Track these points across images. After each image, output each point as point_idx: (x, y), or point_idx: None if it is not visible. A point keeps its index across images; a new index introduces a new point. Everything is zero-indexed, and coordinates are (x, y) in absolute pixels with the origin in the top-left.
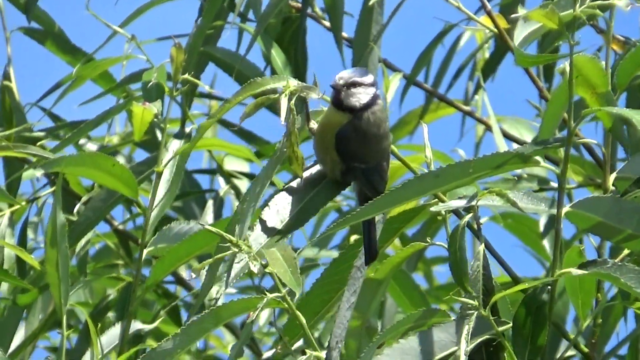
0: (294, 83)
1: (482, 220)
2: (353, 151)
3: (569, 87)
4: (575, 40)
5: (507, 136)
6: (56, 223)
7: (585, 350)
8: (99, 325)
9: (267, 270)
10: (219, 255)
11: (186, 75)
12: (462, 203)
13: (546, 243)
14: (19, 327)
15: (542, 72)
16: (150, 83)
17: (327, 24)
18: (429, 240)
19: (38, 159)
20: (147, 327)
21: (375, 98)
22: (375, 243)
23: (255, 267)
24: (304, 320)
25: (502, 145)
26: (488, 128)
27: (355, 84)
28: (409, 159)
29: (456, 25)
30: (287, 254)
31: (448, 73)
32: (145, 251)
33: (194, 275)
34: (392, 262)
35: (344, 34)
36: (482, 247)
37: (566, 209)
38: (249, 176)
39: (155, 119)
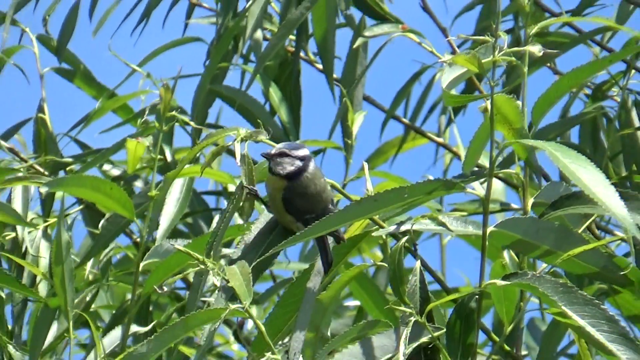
0: (243, 132)
1: (447, 238)
2: (299, 208)
3: (491, 123)
4: (495, 82)
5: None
6: (61, 242)
7: (509, 350)
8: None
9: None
10: (186, 272)
11: (174, 112)
12: (396, 227)
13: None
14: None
15: None
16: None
17: (319, 65)
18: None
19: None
20: (143, 329)
21: (302, 167)
22: (330, 254)
23: (217, 281)
24: (263, 329)
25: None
26: (457, 156)
27: (283, 154)
28: (381, 185)
29: (430, 66)
30: (244, 270)
31: (424, 108)
32: (141, 264)
33: (165, 289)
34: (339, 283)
35: (334, 75)
36: (418, 264)
37: (490, 229)
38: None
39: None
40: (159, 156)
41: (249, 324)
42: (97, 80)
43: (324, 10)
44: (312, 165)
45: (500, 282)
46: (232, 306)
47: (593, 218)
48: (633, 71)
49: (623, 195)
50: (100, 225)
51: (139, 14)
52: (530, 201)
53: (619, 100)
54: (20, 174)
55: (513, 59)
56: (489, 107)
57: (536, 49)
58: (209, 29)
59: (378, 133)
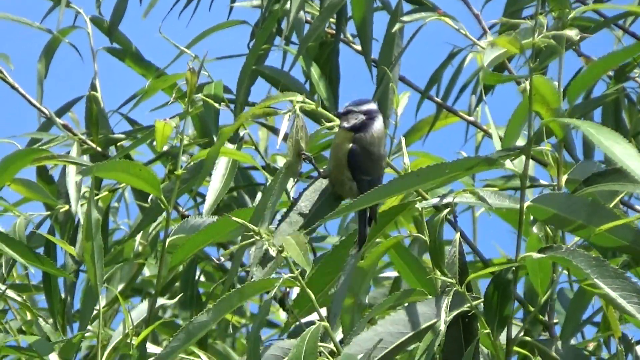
0: (299, 99)
1: (479, 211)
2: (360, 164)
3: (529, 102)
4: (534, 63)
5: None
6: (91, 219)
7: (542, 318)
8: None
9: (283, 254)
10: (244, 243)
11: (200, 95)
12: (439, 200)
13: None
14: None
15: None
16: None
17: (357, 47)
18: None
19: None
20: (169, 302)
21: (366, 120)
22: (365, 232)
23: (273, 252)
24: (313, 296)
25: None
26: (488, 135)
27: (349, 112)
28: (416, 162)
29: (463, 49)
30: (299, 240)
31: (455, 88)
32: (168, 240)
33: (222, 259)
34: (377, 252)
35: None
36: (457, 236)
37: (527, 203)
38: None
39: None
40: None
41: (293, 294)
42: (146, 60)
43: None
44: (378, 122)
45: (536, 255)
46: (285, 275)
47: (623, 195)
48: None
49: None
50: (149, 199)
51: None
52: (564, 178)
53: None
54: (73, 150)
55: (552, 41)
56: (527, 87)
57: (573, 33)
58: (253, 12)
59: (410, 112)
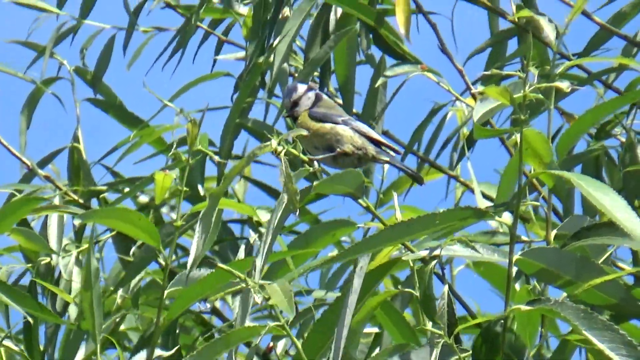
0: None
1: (458, 268)
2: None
3: (519, 155)
4: (525, 116)
5: (485, 197)
6: (90, 268)
7: None
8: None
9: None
10: (230, 290)
11: (199, 147)
12: (427, 252)
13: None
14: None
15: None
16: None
17: (340, 101)
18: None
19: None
20: (166, 353)
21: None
22: None
23: (258, 298)
24: (299, 345)
25: (482, 204)
26: (470, 190)
27: (294, 104)
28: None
29: (445, 104)
30: (284, 288)
31: (437, 143)
32: (165, 292)
33: (208, 305)
34: (367, 307)
35: (354, 110)
36: (446, 288)
37: (516, 257)
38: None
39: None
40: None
41: (279, 348)
42: (130, 112)
43: (345, 49)
44: (312, 93)
45: (525, 307)
46: (272, 324)
47: (614, 249)
48: (637, 111)
49: None
50: (132, 252)
51: (171, 49)
52: (552, 233)
53: (622, 139)
54: (55, 202)
55: (540, 96)
56: (518, 140)
57: (564, 85)
58: (237, 65)
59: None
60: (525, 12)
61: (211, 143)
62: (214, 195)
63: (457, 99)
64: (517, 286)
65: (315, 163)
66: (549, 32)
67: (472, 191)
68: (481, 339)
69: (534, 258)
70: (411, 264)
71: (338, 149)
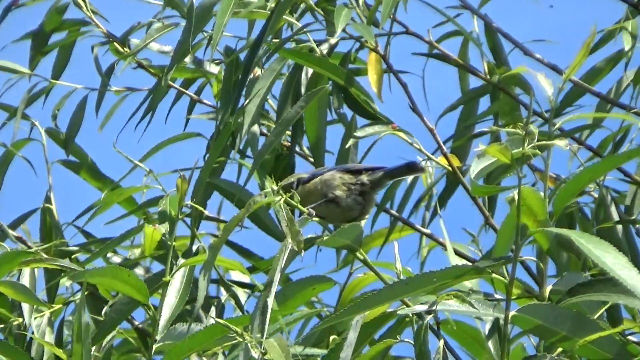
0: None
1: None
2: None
3: (517, 213)
4: (523, 174)
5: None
6: (81, 323)
7: None
8: None
9: (266, 357)
10: (228, 344)
11: (190, 202)
12: (424, 307)
13: (490, 345)
14: None
15: (487, 202)
16: (162, 209)
17: (312, 160)
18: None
19: (70, 270)
20: None
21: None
22: None
23: (255, 354)
24: None
25: (455, 262)
26: (443, 247)
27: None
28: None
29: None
30: (281, 344)
31: (410, 201)
32: (154, 346)
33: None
34: (365, 358)
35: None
36: (442, 342)
37: (512, 313)
38: (247, 286)
39: (163, 238)
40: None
41: None
42: (101, 173)
43: (316, 109)
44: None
45: None
46: None
47: (608, 305)
48: None
49: None
50: (103, 312)
51: (142, 110)
52: (548, 289)
53: (595, 195)
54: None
55: (539, 152)
56: (515, 197)
57: (563, 143)
58: (210, 125)
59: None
60: (522, 68)
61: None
62: (214, 246)
63: (429, 158)
64: (490, 345)
65: (312, 211)
66: (547, 88)
67: (443, 248)
68: None
69: (530, 314)
70: (410, 318)
71: (331, 194)
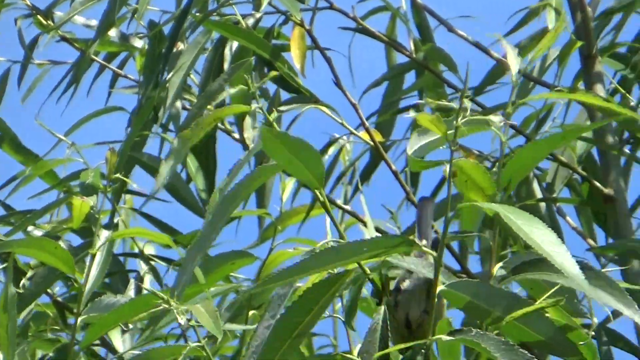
0: None
1: None
2: None
3: (448, 185)
4: (456, 147)
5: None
6: (7, 294)
7: None
8: None
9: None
10: (153, 310)
11: (118, 175)
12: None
13: None
14: None
15: (409, 178)
16: (87, 182)
17: (236, 135)
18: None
19: None
20: None
21: None
22: None
23: (182, 320)
24: None
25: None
26: (362, 224)
27: None
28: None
29: (339, 138)
30: (209, 308)
31: (332, 178)
32: (79, 319)
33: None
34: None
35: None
36: (383, 305)
37: (441, 287)
38: (165, 260)
39: (91, 210)
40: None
41: None
42: (24, 146)
43: (240, 83)
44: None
45: (445, 337)
46: (192, 344)
47: (556, 287)
48: None
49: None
50: (21, 284)
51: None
52: (497, 266)
53: None
54: None
55: (478, 124)
56: (451, 171)
57: (497, 119)
58: (132, 99)
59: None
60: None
61: (103, 177)
62: (183, 136)
63: (352, 133)
64: None
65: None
66: (513, 65)
67: (362, 225)
68: None
69: (461, 290)
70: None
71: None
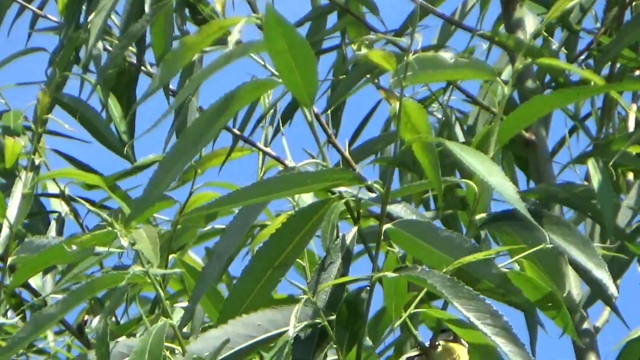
0: None
1: None
2: None
3: (397, 123)
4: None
5: None
6: None
7: None
8: None
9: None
10: (99, 232)
11: (50, 115)
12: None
13: None
14: None
15: (331, 120)
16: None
17: None
18: None
19: None
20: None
21: None
22: None
23: (125, 243)
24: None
25: None
26: (283, 166)
27: None
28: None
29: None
30: (151, 234)
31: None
32: (10, 259)
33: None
34: None
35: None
36: (356, 230)
37: (387, 225)
38: (88, 201)
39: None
40: None
41: (94, 322)
42: None
43: (162, 25)
44: None
45: (390, 274)
46: (136, 269)
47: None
48: (454, 89)
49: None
50: None
51: None
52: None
53: (439, 116)
54: None
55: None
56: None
57: (448, 56)
58: (53, 40)
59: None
60: None
61: (25, 119)
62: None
63: (273, 74)
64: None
65: None
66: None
67: (283, 168)
68: (345, 304)
69: (406, 229)
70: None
71: None
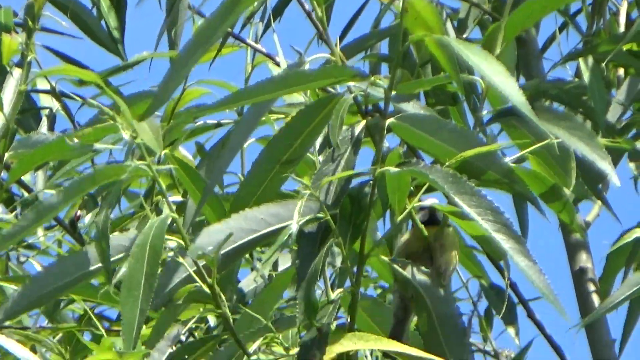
0: None
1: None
2: None
3: (401, 19)
4: None
5: None
6: None
7: None
8: None
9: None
10: (100, 125)
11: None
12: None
13: None
14: None
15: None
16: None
17: None
18: None
19: None
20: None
21: None
22: None
23: (126, 136)
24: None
25: None
26: (274, 63)
27: None
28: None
29: None
30: (153, 126)
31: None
32: (6, 155)
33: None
34: None
35: None
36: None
37: (391, 120)
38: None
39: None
40: None
41: (86, 219)
42: None
43: None
44: None
45: (393, 169)
46: (138, 162)
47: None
48: None
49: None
50: None
51: None
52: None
53: None
54: None
55: None
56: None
57: None
58: None
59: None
60: None
61: (15, 15)
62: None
63: None
64: None
65: None
66: None
67: (274, 64)
68: (349, 199)
69: (411, 123)
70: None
71: None
